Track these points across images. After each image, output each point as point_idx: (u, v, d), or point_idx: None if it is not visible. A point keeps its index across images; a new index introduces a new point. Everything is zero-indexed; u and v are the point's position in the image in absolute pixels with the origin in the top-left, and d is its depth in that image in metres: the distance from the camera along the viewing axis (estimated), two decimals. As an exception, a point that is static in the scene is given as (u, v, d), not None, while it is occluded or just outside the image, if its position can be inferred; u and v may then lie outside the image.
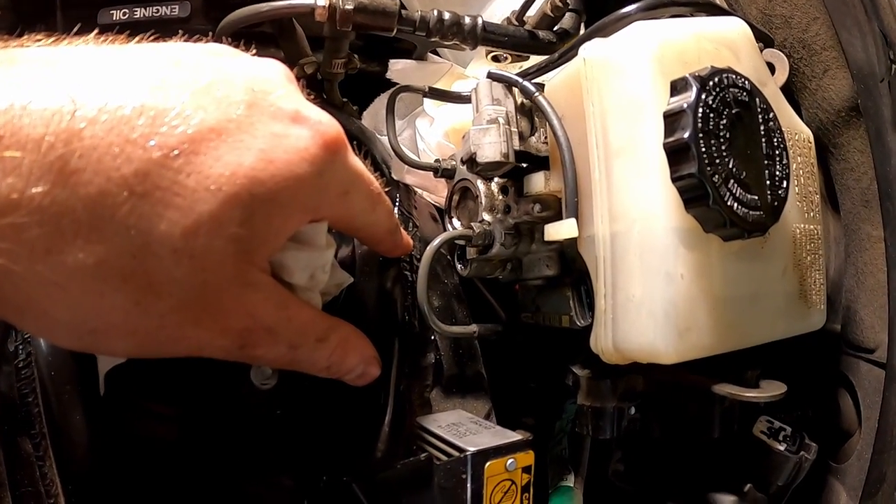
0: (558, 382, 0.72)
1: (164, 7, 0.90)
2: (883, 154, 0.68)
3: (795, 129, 0.66)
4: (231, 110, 0.37)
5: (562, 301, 0.63)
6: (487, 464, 0.46)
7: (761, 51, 0.71)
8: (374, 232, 0.52)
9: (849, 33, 0.70)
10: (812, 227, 0.64)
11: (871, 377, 0.71)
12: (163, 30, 0.92)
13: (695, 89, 0.47)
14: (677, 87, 0.48)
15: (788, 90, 0.78)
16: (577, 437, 0.76)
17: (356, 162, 0.45)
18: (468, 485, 0.45)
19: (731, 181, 0.46)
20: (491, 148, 0.56)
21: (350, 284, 0.56)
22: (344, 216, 0.46)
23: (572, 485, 0.74)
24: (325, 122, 0.42)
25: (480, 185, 0.63)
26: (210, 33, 0.84)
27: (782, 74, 0.72)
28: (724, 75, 0.49)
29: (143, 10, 0.89)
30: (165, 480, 0.56)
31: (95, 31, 0.45)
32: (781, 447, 0.63)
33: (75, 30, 0.46)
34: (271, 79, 0.42)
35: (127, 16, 0.90)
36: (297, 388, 0.51)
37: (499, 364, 0.76)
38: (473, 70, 0.91)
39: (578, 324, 0.58)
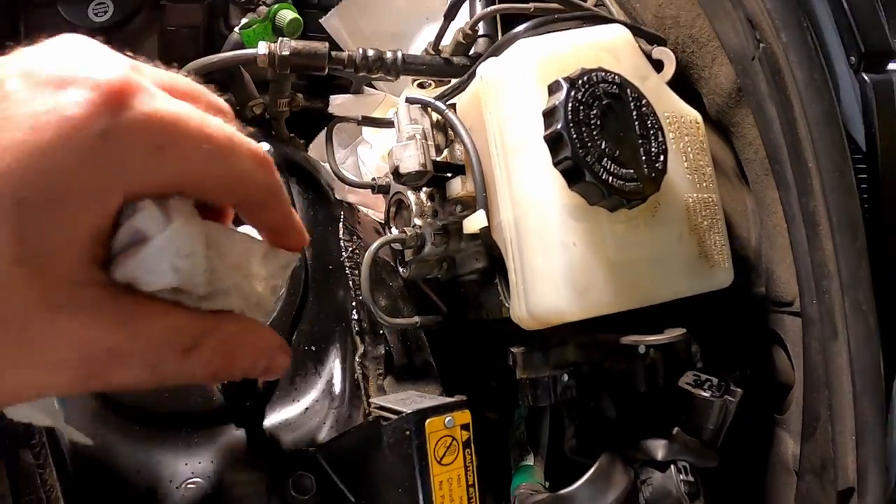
0: (514, 378, 0.83)
1: None
2: (766, 124, 0.80)
3: (681, 112, 0.78)
4: None
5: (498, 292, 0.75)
6: (427, 421, 0.56)
7: (648, 54, 0.85)
8: (247, 195, 0.42)
9: (721, 23, 0.83)
10: (706, 195, 0.76)
11: (795, 328, 0.82)
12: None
13: (565, 88, 0.59)
14: (552, 90, 0.60)
15: (688, 81, 0.92)
16: (534, 422, 0.87)
17: (169, 106, 0.36)
18: (413, 441, 0.55)
19: (605, 159, 0.58)
20: (411, 160, 0.68)
21: (303, 289, 0.67)
22: (175, 180, 0.37)
23: (532, 463, 0.84)
24: (103, 72, 0.34)
25: (411, 195, 0.74)
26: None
27: (670, 69, 0.84)
28: (593, 74, 0.61)
29: None
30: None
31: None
32: (706, 394, 0.73)
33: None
34: (48, 46, 0.35)
35: None
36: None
37: (459, 365, 0.86)
38: (406, 97, 1.04)
39: (506, 304, 0.69)
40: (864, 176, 0.87)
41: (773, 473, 0.87)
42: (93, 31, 1.07)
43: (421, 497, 0.56)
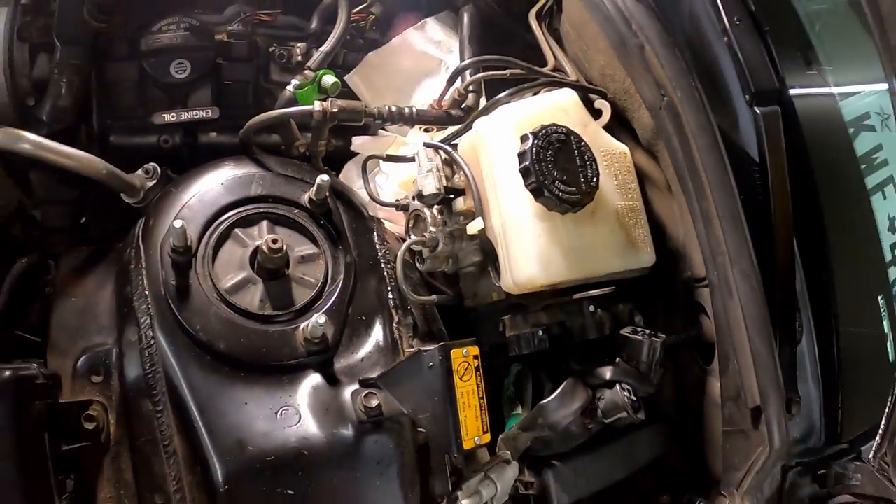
0: (503, 359, 1.15)
1: (201, 111, 1.38)
2: (673, 152, 1.15)
3: (613, 147, 1.14)
4: None
5: (489, 283, 1.09)
6: (452, 350, 0.90)
7: (593, 102, 1.21)
8: None
9: (639, 83, 1.18)
10: (631, 202, 1.11)
11: (709, 297, 1.17)
12: (201, 127, 1.34)
13: (531, 139, 0.94)
14: (523, 139, 0.95)
15: (626, 121, 1.27)
16: (520, 383, 1.19)
17: None
18: (444, 363, 0.89)
19: (557, 181, 0.94)
20: (430, 186, 1.03)
21: (354, 278, 1.02)
22: None
23: (521, 412, 1.17)
24: None
25: (427, 210, 1.09)
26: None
27: (606, 116, 1.20)
28: (549, 127, 0.97)
29: (186, 113, 1.37)
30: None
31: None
32: (639, 337, 1.08)
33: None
34: None
35: (175, 117, 1.36)
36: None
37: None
38: (411, 138, 1.38)
39: (497, 284, 1.04)
40: (759, 182, 1.22)
41: (707, 409, 1.20)
42: (168, 85, 1.37)
43: (449, 402, 0.90)
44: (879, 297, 1.28)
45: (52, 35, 1.30)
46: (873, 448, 1.17)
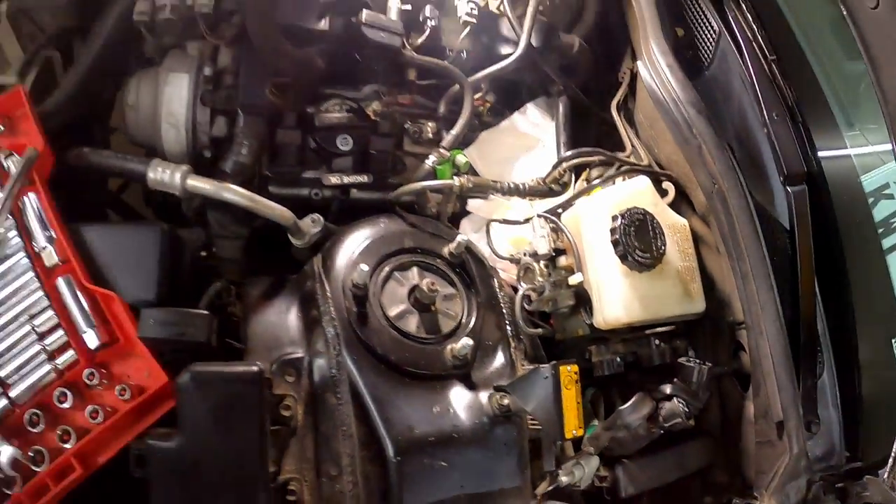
0: (584, 382, 1.51)
1: (359, 177, 1.71)
2: (720, 225, 1.55)
3: (676, 222, 1.54)
4: None
5: (578, 321, 1.51)
6: (561, 367, 1.31)
7: (661, 183, 1.62)
8: None
9: (697, 171, 1.58)
10: (688, 264, 1.51)
11: (746, 336, 1.56)
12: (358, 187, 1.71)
13: (619, 219, 1.36)
14: (613, 219, 1.37)
15: (686, 196, 1.67)
16: (595, 402, 1.59)
17: None
18: (556, 376, 1.29)
19: (637, 250, 1.35)
20: (543, 247, 1.46)
21: (483, 314, 1.45)
22: None
23: (597, 425, 1.55)
24: None
25: (536, 265, 1.51)
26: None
27: (671, 195, 1.61)
28: (632, 210, 1.39)
29: (348, 177, 1.70)
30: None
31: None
32: (691, 364, 1.48)
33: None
34: None
35: (339, 180, 1.69)
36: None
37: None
38: (515, 202, 1.77)
39: (587, 323, 1.45)
40: (790, 246, 1.58)
41: (744, 427, 1.59)
42: (333, 154, 1.70)
43: (558, 403, 1.30)
44: (893, 341, 1.61)
45: (230, 103, 1.61)
46: (887, 470, 1.48)
